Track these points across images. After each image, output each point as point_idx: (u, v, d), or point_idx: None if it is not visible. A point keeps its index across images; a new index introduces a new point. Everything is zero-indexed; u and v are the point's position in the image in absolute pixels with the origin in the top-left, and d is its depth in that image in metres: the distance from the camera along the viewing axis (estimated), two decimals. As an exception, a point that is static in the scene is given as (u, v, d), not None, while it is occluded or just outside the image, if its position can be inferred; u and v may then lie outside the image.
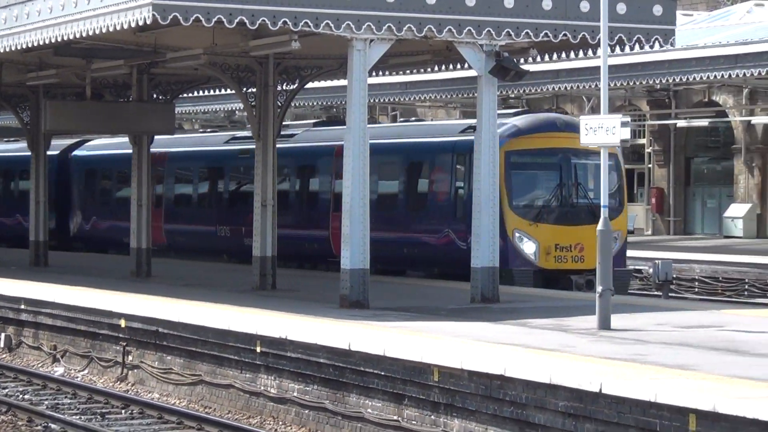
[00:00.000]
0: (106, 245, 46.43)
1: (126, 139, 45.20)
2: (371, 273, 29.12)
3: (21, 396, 27.12)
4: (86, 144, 51.98)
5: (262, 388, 24.56)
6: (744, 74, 52.95)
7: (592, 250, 26.19)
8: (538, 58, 35.44)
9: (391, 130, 37.72)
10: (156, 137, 41.28)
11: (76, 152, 48.93)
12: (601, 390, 16.50)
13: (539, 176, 29.82)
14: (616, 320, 24.69)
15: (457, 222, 30.41)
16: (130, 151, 42.63)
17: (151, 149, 39.96)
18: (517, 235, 28.14)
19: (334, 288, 30.32)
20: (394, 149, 34.15)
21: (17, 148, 57.82)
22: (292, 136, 39.04)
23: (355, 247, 28.88)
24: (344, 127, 39.45)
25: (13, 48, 33.46)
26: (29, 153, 46.54)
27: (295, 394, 23.68)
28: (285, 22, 26.74)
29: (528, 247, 27.99)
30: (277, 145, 36.06)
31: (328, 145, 36.73)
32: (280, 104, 35.51)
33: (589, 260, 26.91)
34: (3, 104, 49.02)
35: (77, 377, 30.03)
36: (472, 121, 30.86)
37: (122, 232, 43.62)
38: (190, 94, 52.08)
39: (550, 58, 37.48)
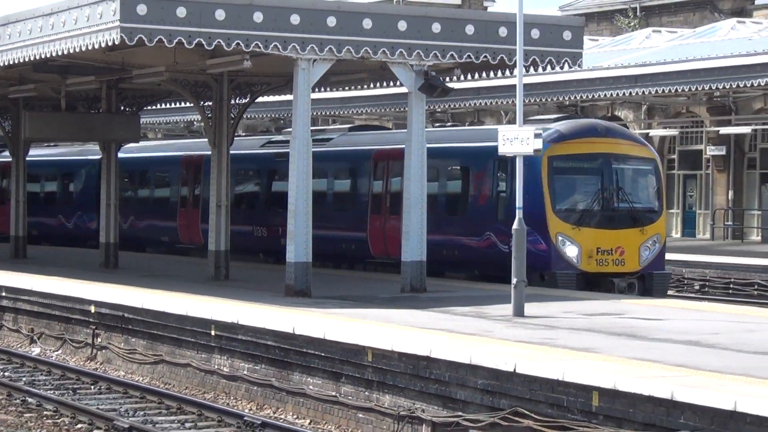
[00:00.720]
0: (143, 244, 44.93)
1: (157, 143, 47.94)
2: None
3: (1, 373, 27.75)
4: (123, 148, 47.76)
5: (216, 367, 25.48)
6: (643, 92, 54.55)
7: (632, 254, 26.36)
8: (462, 77, 35.68)
9: (434, 134, 33.54)
10: (194, 141, 41.32)
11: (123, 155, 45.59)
12: (515, 370, 18.12)
13: (581, 181, 28.48)
14: (530, 308, 25.88)
15: (498, 225, 28.86)
16: (163, 154, 44.17)
17: (189, 153, 39.61)
18: (560, 238, 27.14)
19: (283, 279, 30.93)
20: (438, 153, 30.98)
21: (69, 151, 54.98)
22: (329, 140, 37.64)
23: (298, 243, 30.04)
24: (381, 132, 41.41)
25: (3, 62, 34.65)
26: (80, 157, 47.82)
27: (245, 372, 24.67)
28: (238, 44, 27.97)
29: (570, 251, 26.94)
30: (315, 149, 34.50)
31: (365, 149, 35.37)
32: (233, 116, 36.74)
33: (629, 264, 26.77)
34: None
35: (50, 352, 30.97)
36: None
37: (158, 231, 43.86)
38: (154, 107, 52.51)
39: (473, 76, 37.53)
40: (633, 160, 27.67)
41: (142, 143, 48.09)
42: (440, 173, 31.26)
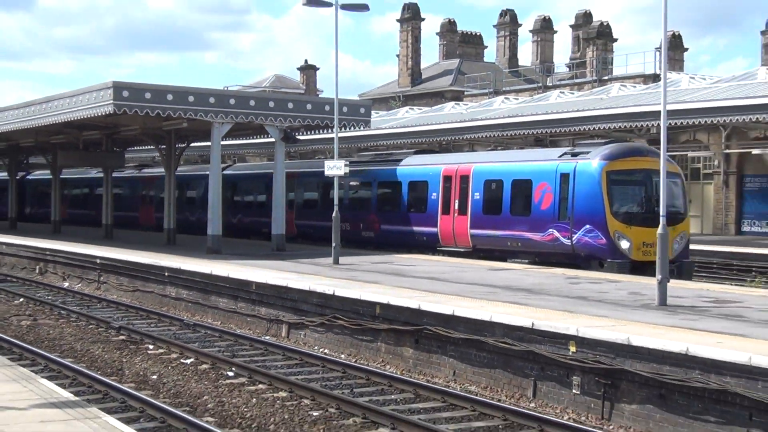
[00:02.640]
0: (247, 232, 43.64)
1: (254, 162, 47.54)
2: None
3: (46, 297, 31.69)
4: (231, 166, 49.43)
5: (168, 293, 29.89)
6: (410, 141, 53.48)
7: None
8: (305, 133, 41.17)
9: (510, 155, 33.83)
10: (289, 161, 41.78)
11: (225, 172, 43.66)
12: (334, 293, 22.28)
13: (631, 190, 27.38)
14: (343, 260, 30.16)
15: (559, 222, 27.41)
16: (259, 171, 45.42)
17: (287, 170, 37.96)
18: (616, 234, 26.04)
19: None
20: (512, 170, 30.08)
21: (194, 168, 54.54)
22: (400, 160, 36.09)
23: (213, 225, 35.06)
24: (444, 155, 39.72)
25: (38, 124, 38.68)
26: (198, 172, 47.84)
27: (184, 295, 28.92)
28: (179, 114, 32.74)
29: (624, 244, 26.04)
30: (388, 167, 36.41)
31: (436, 166, 33.51)
32: (177, 154, 41.26)
33: None
34: (37, 153, 54.76)
35: (76, 287, 34.48)
36: (565, 149, 30.30)
37: (257, 224, 42.94)
38: (133, 147, 55.29)
39: (311, 132, 41.34)
40: (669, 174, 24.49)
41: (238, 165, 50.23)
42: (515, 184, 29.66)
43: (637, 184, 27.39)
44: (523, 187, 28.79)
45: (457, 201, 30.70)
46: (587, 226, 26.37)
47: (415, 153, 38.01)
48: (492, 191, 29.81)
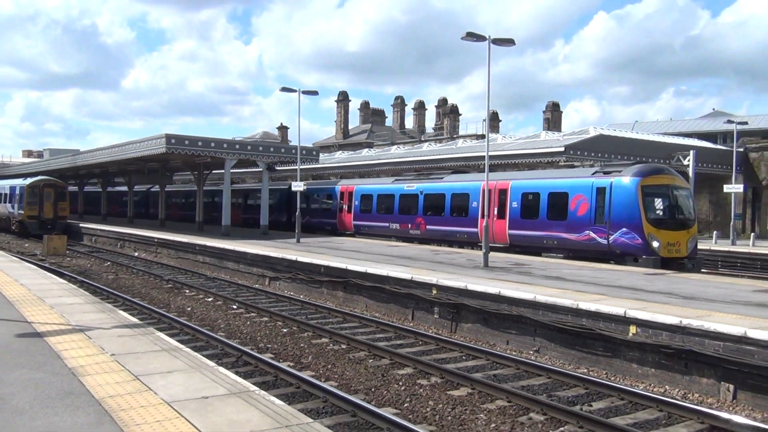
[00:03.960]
0: (313, 229, 37.19)
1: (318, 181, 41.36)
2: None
3: (126, 261, 30.08)
4: (309, 183, 39.73)
5: (198, 259, 28.28)
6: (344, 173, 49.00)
7: (684, 246, 21.89)
8: (282, 165, 39.03)
9: (542, 173, 27.47)
10: (375, 182, 35.77)
11: (293, 186, 33.58)
12: (296, 259, 21.72)
13: (658, 200, 22.72)
14: (303, 240, 29.46)
15: (595, 225, 22.55)
16: (317, 187, 38.28)
17: (354, 186, 34.93)
18: (650, 236, 21.58)
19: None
20: (548, 185, 25.00)
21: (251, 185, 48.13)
22: (441, 177, 30.83)
23: (226, 218, 33.50)
24: (477, 174, 32.48)
25: (121, 158, 36.79)
26: (278, 187, 41.81)
27: (207, 261, 27.32)
28: (205, 152, 31.93)
29: (655, 244, 21.56)
30: (435, 183, 30.60)
31: (476, 182, 28.07)
32: (204, 177, 39.68)
33: (683, 252, 21.86)
34: (119, 175, 51.38)
35: (142, 256, 32.56)
36: (595, 169, 24.51)
37: (319, 223, 37.33)
38: (177, 173, 52.77)
39: (284, 165, 38.89)
40: (682, 189, 22.87)
41: (316, 182, 40.58)
42: (558, 195, 24.46)
43: (663, 196, 22.77)
44: (559, 198, 24.19)
45: (496, 208, 26.19)
46: (624, 229, 21.93)
47: (452, 173, 32.55)
48: (529, 201, 25.32)
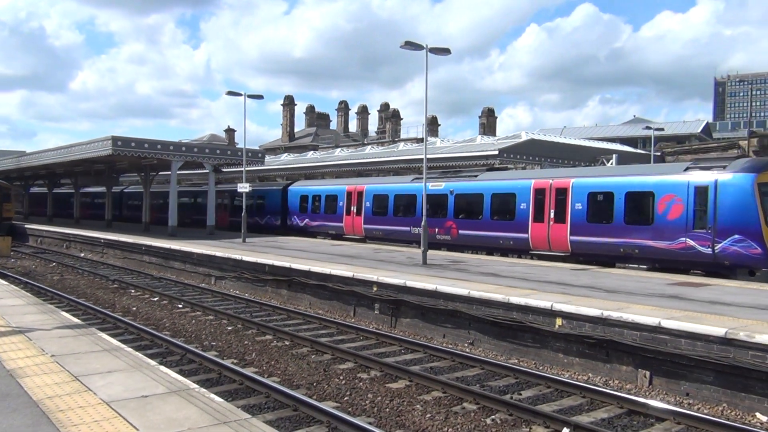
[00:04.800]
0: (314, 233, 33.59)
1: (318, 180, 37.70)
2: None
3: (72, 262, 29.02)
4: (294, 183, 36.48)
5: (144, 259, 27.69)
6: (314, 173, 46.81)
7: None
8: (228, 167, 38.83)
9: (615, 170, 22.22)
10: (375, 180, 31.46)
11: (291, 187, 35.36)
12: (242, 258, 21.05)
13: None
14: (248, 240, 28.47)
15: (694, 232, 17.58)
16: (315, 188, 34.01)
17: (358, 186, 30.65)
18: None
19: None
20: (626, 184, 19.83)
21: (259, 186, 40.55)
22: (476, 175, 25.88)
23: (172, 218, 32.54)
24: (521, 171, 28.78)
25: (67, 160, 35.32)
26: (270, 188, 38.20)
27: (153, 261, 27.14)
28: (152, 155, 31.11)
29: None
30: (465, 182, 25.81)
31: (524, 180, 22.98)
32: (151, 178, 38.07)
33: None
34: (65, 177, 49.74)
35: (88, 256, 31.61)
36: (687, 164, 19.45)
37: (323, 226, 32.84)
38: (123, 174, 48.42)
39: (230, 167, 38.48)
40: None
41: (316, 181, 36.72)
42: (629, 197, 19.57)
43: None
44: (641, 198, 19.31)
45: (552, 211, 21.47)
46: (736, 236, 17.04)
47: (488, 170, 28.02)
48: (599, 202, 20.46)
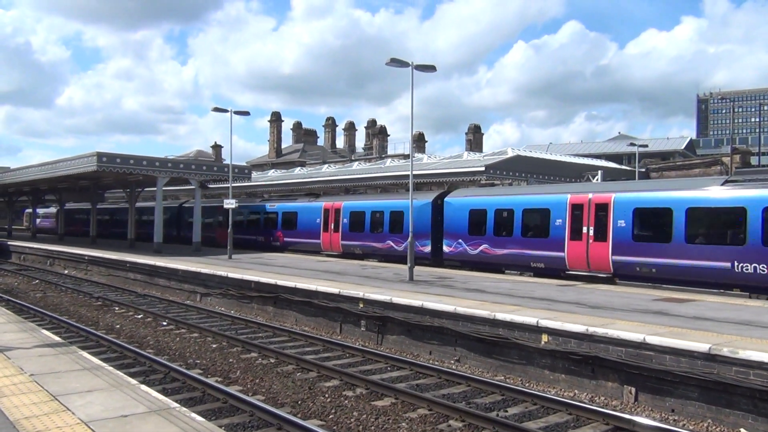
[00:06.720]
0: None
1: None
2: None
3: (56, 279, 28.86)
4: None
5: (128, 276, 27.54)
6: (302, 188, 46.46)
7: None
8: (214, 184, 36.57)
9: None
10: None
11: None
12: (227, 275, 20.90)
13: None
14: (234, 257, 28.29)
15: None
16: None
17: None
18: None
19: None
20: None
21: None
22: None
23: (158, 235, 31.98)
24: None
25: (51, 176, 34.91)
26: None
27: (138, 278, 26.95)
28: (137, 171, 30.54)
29: None
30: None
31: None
32: (136, 195, 38.73)
33: None
34: (50, 193, 48.81)
35: (72, 273, 31.49)
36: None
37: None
38: (109, 190, 48.72)
39: (217, 183, 35.95)
40: None
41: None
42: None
43: None
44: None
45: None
46: None
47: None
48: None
